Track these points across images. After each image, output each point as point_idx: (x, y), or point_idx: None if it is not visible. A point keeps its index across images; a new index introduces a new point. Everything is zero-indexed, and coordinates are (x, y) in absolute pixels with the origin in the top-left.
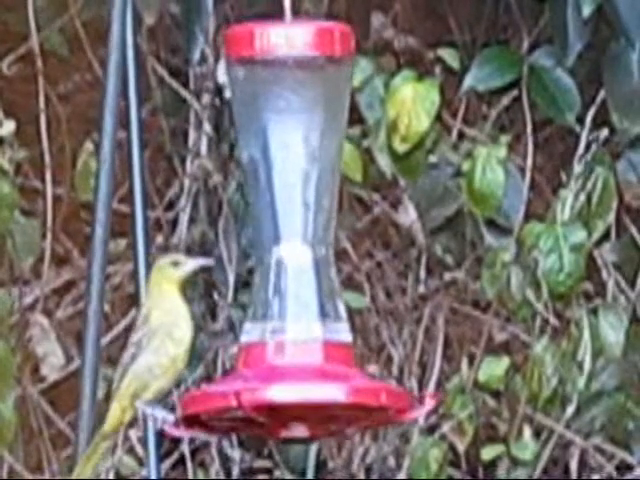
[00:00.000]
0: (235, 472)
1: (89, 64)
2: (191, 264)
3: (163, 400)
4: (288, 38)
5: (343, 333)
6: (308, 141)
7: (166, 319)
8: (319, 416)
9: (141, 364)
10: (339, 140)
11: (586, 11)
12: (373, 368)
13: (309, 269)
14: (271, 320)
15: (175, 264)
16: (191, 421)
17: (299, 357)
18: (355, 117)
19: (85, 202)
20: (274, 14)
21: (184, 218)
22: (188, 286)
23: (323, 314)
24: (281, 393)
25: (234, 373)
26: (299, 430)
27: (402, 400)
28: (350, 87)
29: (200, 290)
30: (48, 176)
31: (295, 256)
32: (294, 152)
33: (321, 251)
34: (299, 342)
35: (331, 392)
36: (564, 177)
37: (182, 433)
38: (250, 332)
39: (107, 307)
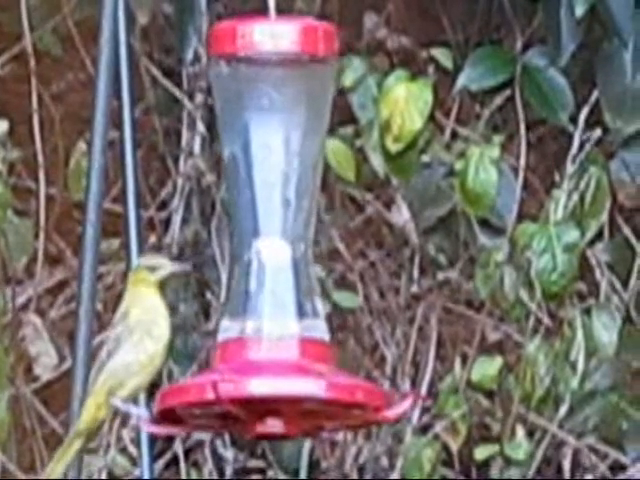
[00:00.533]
0: (228, 472)
1: (82, 64)
2: (167, 269)
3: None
4: (271, 36)
5: (320, 331)
6: (289, 139)
7: (145, 317)
8: (295, 412)
9: (117, 361)
10: (321, 139)
11: (579, 11)
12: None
13: (287, 266)
14: (248, 317)
15: (152, 269)
16: (167, 417)
17: (276, 353)
18: (348, 117)
19: (78, 202)
20: (266, 12)
21: (177, 218)
22: (180, 286)
23: (300, 311)
24: (258, 386)
25: (211, 368)
26: (275, 426)
27: (379, 398)
28: (334, 87)
29: (193, 289)
30: (41, 176)
31: (274, 253)
32: (275, 150)
33: (300, 249)
34: (276, 339)
35: (307, 386)
36: (557, 177)
37: (157, 430)
38: (228, 329)
39: (100, 307)
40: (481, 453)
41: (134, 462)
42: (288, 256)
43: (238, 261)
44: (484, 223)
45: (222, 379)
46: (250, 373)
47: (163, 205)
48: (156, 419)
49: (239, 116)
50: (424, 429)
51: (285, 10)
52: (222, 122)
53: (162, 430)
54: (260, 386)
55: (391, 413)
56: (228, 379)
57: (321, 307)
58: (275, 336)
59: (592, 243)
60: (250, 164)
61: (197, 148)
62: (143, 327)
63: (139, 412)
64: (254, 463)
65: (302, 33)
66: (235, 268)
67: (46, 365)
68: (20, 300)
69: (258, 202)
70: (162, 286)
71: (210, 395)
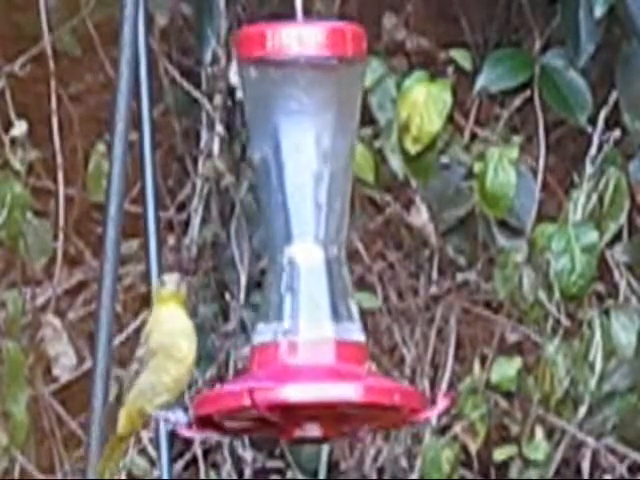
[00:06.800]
0: (247, 472)
1: (101, 65)
2: (173, 282)
3: (178, 400)
4: (300, 38)
5: (355, 333)
6: (320, 141)
7: (165, 341)
8: (332, 416)
9: (143, 382)
10: (351, 140)
11: (598, 12)
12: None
13: (321, 269)
14: (283, 320)
15: (162, 283)
16: (204, 422)
17: (312, 357)
18: (367, 118)
19: (97, 203)
20: (285, 14)
21: (196, 219)
22: (199, 287)
23: (335, 314)
24: (294, 392)
25: (247, 373)
26: (312, 430)
27: (415, 400)
28: (362, 88)
29: (212, 291)
30: (60, 177)
31: (307, 256)
32: (306, 152)
33: (333, 251)
34: (311, 342)
35: (344, 391)
36: (576, 178)
37: (195, 434)
38: (262, 333)
39: (119, 308)
40: (500, 454)
41: (153, 463)
42: (321, 259)
43: (271, 265)
44: (503, 224)
45: (258, 386)
46: (286, 379)
47: (182, 206)
48: (193, 424)
49: (269, 120)
50: (443, 430)
51: (304, 11)
52: (252, 126)
53: (201, 435)
54: (296, 392)
55: (428, 414)
56: (264, 386)
57: (355, 309)
58: (310, 339)
59: (611, 244)
60: (281, 168)
61: (216, 149)
62: (164, 351)
63: (177, 417)
64: (273, 464)
65: (330, 35)
66: (268, 272)
67: (65, 366)
68: (39, 301)
69: (290, 205)
70: (184, 299)
71: (247, 402)
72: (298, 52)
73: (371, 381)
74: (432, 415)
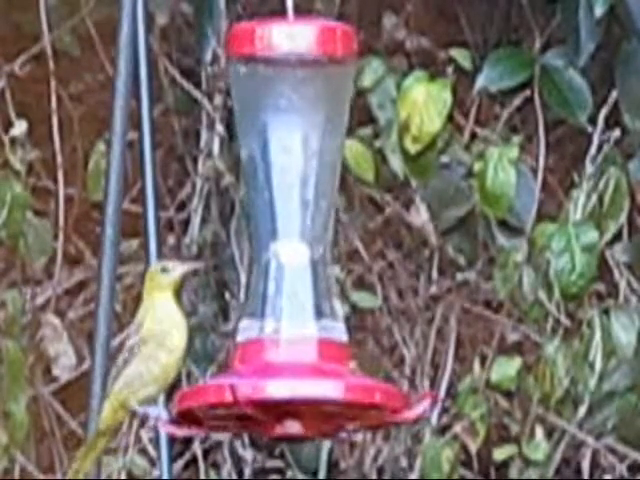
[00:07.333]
0: (247, 472)
1: (101, 65)
2: (180, 269)
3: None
4: (289, 37)
5: (339, 332)
6: (308, 140)
7: (157, 328)
8: (314, 414)
9: (131, 371)
10: (339, 140)
11: (598, 11)
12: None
13: (306, 268)
14: (267, 317)
15: (164, 270)
16: (186, 418)
17: (294, 355)
18: (367, 117)
19: (97, 202)
20: (285, 13)
21: (196, 218)
22: (199, 286)
23: (319, 313)
24: (276, 388)
25: (229, 370)
26: (294, 428)
27: (397, 399)
28: (352, 87)
29: (212, 290)
30: (60, 176)
31: (292, 254)
32: (293, 151)
33: (319, 250)
34: (294, 340)
35: (325, 388)
36: (576, 177)
37: (175, 430)
38: (246, 329)
39: (119, 307)
40: (500, 454)
41: (153, 463)
42: (306, 257)
43: (257, 262)
44: (503, 224)
45: (240, 382)
46: (268, 375)
47: (182, 206)
48: (174, 420)
49: (257, 117)
50: (443, 430)
51: (304, 11)
52: (240, 123)
53: (180, 431)
54: (278, 389)
55: (409, 414)
56: (246, 381)
57: (339, 308)
58: (293, 337)
59: (611, 243)
60: (268, 165)
61: (216, 149)
62: (156, 339)
63: (158, 413)
64: (273, 463)
65: (320, 34)
66: (254, 269)
67: (65, 366)
68: (39, 301)
69: (276, 203)
70: (179, 290)
71: (228, 397)
72: (287, 50)
73: (352, 379)
74: (414, 415)
